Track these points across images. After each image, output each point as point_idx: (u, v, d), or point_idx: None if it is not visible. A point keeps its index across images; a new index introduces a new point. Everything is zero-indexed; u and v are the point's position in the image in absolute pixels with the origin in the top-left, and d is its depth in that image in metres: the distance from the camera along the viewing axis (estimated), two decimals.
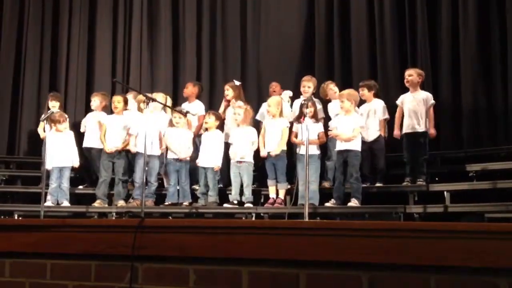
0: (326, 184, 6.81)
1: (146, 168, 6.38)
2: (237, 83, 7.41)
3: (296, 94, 7.23)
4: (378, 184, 6.58)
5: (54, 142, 7.13)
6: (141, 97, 7.15)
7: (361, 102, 6.83)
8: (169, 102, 7.59)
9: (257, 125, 7.14)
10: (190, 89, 7.71)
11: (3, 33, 8.88)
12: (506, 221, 5.63)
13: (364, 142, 6.58)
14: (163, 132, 7.21)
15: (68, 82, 8.99)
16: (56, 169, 7.17)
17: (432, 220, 5.80)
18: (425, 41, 7.41)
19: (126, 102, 7.46)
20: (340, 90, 6.94)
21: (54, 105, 7.75)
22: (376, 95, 6.88)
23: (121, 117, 7.38)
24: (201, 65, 8.83)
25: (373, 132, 6.69)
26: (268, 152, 6.68)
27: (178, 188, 7.04)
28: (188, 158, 7.05)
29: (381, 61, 7.69)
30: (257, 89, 8.39)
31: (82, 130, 7.80)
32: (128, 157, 7.31)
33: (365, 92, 6.80)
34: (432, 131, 6.47)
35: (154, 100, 6.66)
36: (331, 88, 7.12)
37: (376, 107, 6.75)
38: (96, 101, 7.72)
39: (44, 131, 7.62)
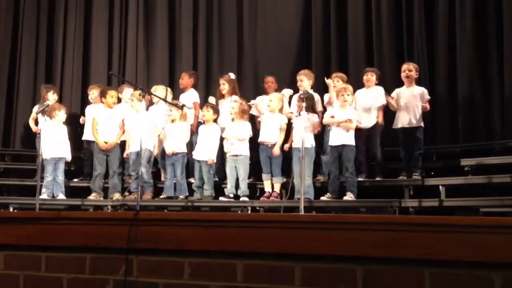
0: (321, 178, 6.81)
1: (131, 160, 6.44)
2: (232, 76, 7.38)
3: (294, 88, 7.23)
4: (377, 178, 6.59)
5: (49, 133, 7.11)
6: (135, 93, 7.14)
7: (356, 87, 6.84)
8: (170, 95, 7.58)
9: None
10: (185, 80, 7.68)
11: None
12: (500, 216, 5.65)
13: (360, 131, 6.58)
14: (160, 126, 7.22)
15: (63, 75, 8.96)
16: (51, 162, 7.16)
17: (427, 214, 5.81)
18: (421, 35, 7.42)
19: (116, 95, 7.47)
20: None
21: (55, 98, 7.73)
22: (377, 83, 6.89)
23: (112, 110, 7.38)
24: (197, 58, 8.79)
25: (372, 119, 6.70)
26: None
27: (174, 181, 7.04)
28: (183, 152, 7.03)
29: (378, 55, 7.69)
30: (254, 83, 8.37)
31: (82, 122, 7.83)
32: (121, 149, 7.33)
33: (373, 78, 6.79)
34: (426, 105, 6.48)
35: (150, 93, 6.69)
36: (334, 83, 6.89)
37: (377, 94, 6.73)
38: (94, 93, 7.73)
39: (36, 124, 7.62)
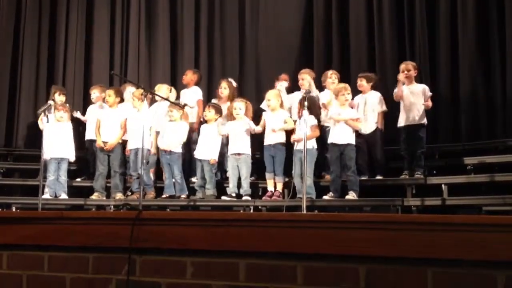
0: (328, 176, 6.78)
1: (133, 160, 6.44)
2: (234, 83, 7.41)
3: (295, 87, 7.23)
4: (378, 177, 6.58)
5: (53, 133, 7.11)
6: (136, 92, 7.14)
7: (356, 92, 6.83)
8: (174, 93, 7.59)
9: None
10: (189, 76, 7.70)
11: (0, 26, 8.83)
12: (503, 214, 5.65)
13: (360, 135, 6.58)
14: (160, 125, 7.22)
15: (66, 75, 8.96)
16: (54, 161, 7.17)
17: (429, 213, 5.81)
18: (423, 33, 7.41)
19: (118, 95, 7.46)
20: (339, 82, 6.94)
21: (61, 99, 7.72)
22: (373, 87, 6.88)
23: (115, 110, 7.37)
24: (199, 57, 8.80)
25: (371, 124, 6.69)
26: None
27: (174, 180, 7.03)
28: (178, 152, 7.01)
29: (380, 54, 7.69)
30: (255, 81, 8.38)
31: (83, 119, 7.87)
32: (123, 149, 7.33)
33: (363, 83, 6.81)
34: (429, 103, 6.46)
35: (152, 93, 6.70)
36: (333, 79, 6.99)
37: (373, 99, 6.74)
38: (96, 93, 7.75)
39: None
